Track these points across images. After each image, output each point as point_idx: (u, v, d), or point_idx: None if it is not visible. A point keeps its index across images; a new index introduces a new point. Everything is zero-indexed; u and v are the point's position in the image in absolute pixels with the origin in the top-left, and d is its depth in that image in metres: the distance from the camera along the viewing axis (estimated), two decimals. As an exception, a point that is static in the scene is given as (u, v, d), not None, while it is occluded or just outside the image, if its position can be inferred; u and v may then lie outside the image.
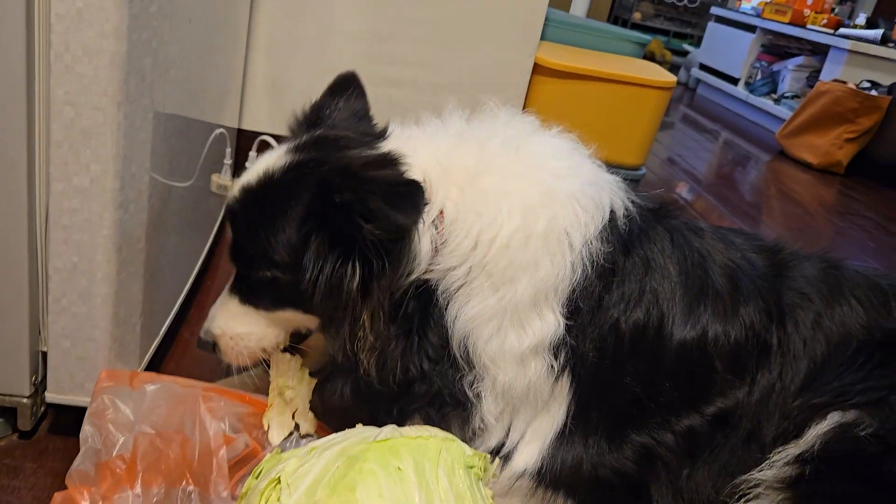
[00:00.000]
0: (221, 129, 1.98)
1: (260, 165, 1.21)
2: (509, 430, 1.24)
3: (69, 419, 1.33)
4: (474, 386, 1.19)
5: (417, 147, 1.21)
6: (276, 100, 2.31)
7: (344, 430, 1.08)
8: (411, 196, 1.07)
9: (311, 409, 1.29)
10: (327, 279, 1.10)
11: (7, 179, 1.11)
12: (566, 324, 1.18)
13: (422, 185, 1.09)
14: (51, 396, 1.28)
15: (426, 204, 1.12)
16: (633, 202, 1.29)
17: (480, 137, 1.24)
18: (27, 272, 1.18)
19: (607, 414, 1.25)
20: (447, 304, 1.16)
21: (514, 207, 1.17)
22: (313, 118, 1.31)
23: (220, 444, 1.16)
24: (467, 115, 1.32)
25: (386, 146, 1.21)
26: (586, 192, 1.22)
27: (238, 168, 2.36)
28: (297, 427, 1.26)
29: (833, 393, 1.29)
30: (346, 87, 1.37)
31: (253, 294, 1.25)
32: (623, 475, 1.25)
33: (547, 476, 1.22)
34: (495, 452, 1.23)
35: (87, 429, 1.07)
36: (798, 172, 4.86)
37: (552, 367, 1.19)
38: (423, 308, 1.16)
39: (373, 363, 1.15)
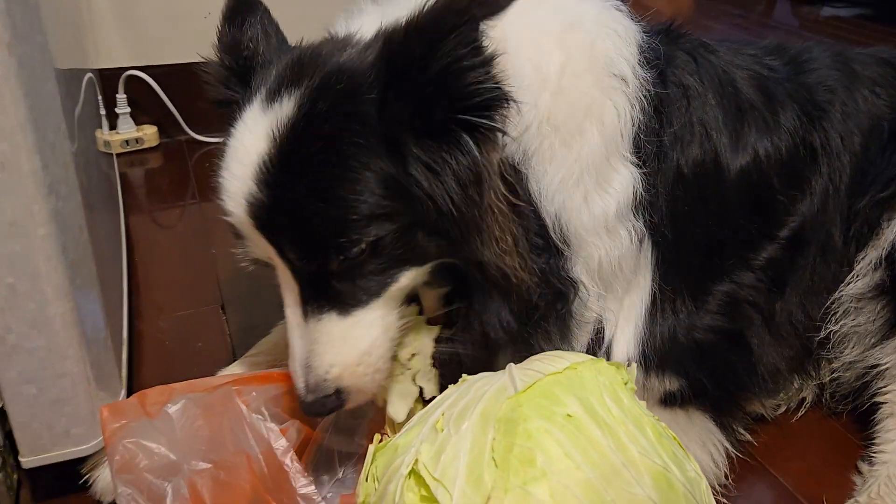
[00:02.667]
0: (90, 74, 1.57)
1: (250, 140, 0.85)
2: (603, 314, 1.08)
3: (51, 475, 1.03)
4: (574, 270, 1.00)
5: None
6: (129, 22, 1.88)
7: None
8: None
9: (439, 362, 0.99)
10: (455, 187, 0.83)
11: None
12: (640, 173, 1.02)
13: None
14: (28, 461, 0.97)
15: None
16: (638, 23, 1.11)
17: None
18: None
19: (688, 270, 1.12)
20: (531, 181, 0.94)
21: (548, 39, 0.98)
22: (238, 60, 0.96)
23: (286, 446, 0.91)
24: None
25: (366, 32, 0.93)
26: (613, 16, 1.06)
27: (110, 116, 1.96)
28: (421, 392, 0.97)
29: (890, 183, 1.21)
30: (249, 7, 1.00)
31: (348, 291, 0.88)
32: (717, 330, 1.14)
33: (652, 358, 1.09)
34: (596, 344, 1.07)
35: (123, 492, 0.79)
36: (653, -12, 4.81)
37: (635, 230, 1.04)
38: (520, 214, 0.93)
39: (522, 265, 0.91)
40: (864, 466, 1.13)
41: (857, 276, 1.19)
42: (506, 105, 0.84)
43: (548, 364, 0.82)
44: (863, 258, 1.19)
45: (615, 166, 1.01)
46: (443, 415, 0.79)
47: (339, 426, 1.10)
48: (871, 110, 1.26)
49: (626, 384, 0.83)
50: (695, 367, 1.11)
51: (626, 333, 1.09)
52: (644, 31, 1.09)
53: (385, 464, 0.79)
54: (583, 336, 1.06)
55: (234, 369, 1.13)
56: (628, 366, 0.89)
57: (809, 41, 1.37)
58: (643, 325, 1.09)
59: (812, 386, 1.26)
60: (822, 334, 1.19)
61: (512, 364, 0.85)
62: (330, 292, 0.88)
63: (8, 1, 0.75)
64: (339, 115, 0.83)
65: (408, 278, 0.90)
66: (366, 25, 0.95)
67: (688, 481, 0.77)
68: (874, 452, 1.12)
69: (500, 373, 0.84)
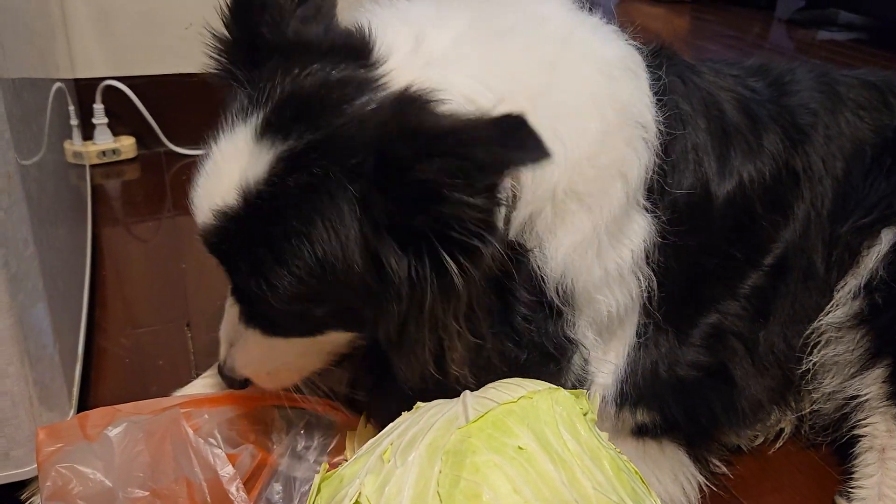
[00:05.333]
0: (59, 84, 1.54)
1: (228, 171, 0.80)
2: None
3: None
4: (576, 327, 0.95)
5: (438, 65, 0.84)
6: (108, 32, 1.84)
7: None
8: (523, 126, 0.69)
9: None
10: (411, 289, 0.77)
11: None
12: (651, 217, 0.97)
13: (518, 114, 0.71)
14: (-35, 483, 0.93)
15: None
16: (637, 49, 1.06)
17: (519, 32, 0.92)
18: None
19: (673, 304, 1.06)
20: (529, 253, 0.88)
21: (584, 98, 0.91)
22: (247, 38, 0.87)
23: (233, 474, 0.87)
24: None
25: (394, 76, 0.83)
26: (627, 52, 1.00)
27: (87, 127, 1.93)
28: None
29: (878, 208, 1.18)
30: None
31: (278, 325, 0.90)
32: (700, 366, 1.10)
33: (629, 395, 1.04)
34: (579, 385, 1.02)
35: (53, 521, 0.75)
36: (649, 8, 4.80)
37: (643, 277, 0.99)
38: (507, 275, 0.86)
39: (468, 372, 0.86)
40: (841, 501, 1.09)
41: (837, 304, 1.16)
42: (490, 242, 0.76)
43: (503, 392, 0.79)
44: (842, 286, 1.16)
45: (632, 217, 0.96)
46: (391, 444, 0.76)
47: (296, 452, 1.06)
48: (854, 134, 1.23)
49: (585, 415, 0.79)
50: (671, 403, 1.06)
51: (605, 370, 1.03)
52: (646, 61, 1.04)
53: (329, 495, 0.75)
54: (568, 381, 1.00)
55: (191, 390, 1.09)
56: (590, 395, 0.86)
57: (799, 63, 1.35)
58: (624, 363, 1.04)
59: (791, 417, 1.22)
60: (804, 365, 1.16)
61: (467, 391, 0.81)
62: (261, 320, 0.91)
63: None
64: (309, 202, 0.77)
65: (334, 336, 0.91)
66: (396, 41, 0.87)
67: (646, 519, 0.73)
68: (852, 487, 1.08)
69: (454, 400, 0.80)
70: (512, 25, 0.92)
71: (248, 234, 0.79)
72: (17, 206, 0.88)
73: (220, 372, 0.98)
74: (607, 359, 1.04)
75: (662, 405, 1.06)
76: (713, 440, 1.13)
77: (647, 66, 1.02)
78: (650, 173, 0.97)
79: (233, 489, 0.86)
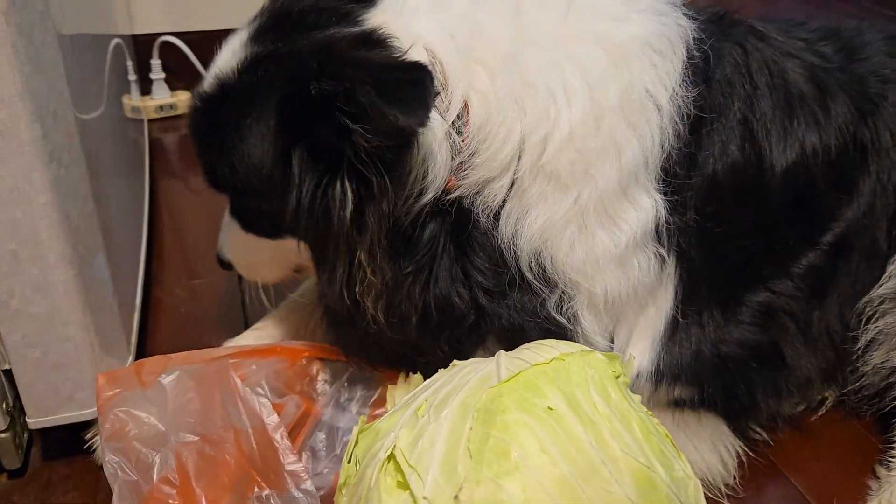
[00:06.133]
0: (117, 40, 1.58)
1: (219, 60, 0.92)
2: (612, 338, 1.03)
3: (62, 436, 1.06)
4: (565, 308, 0.95)
5: (419, 15, 0.89)
6: (169, -13, 1.89)
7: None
8: (416, 85, 0.77)
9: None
10: (311, 205, 0.84)
11: None
12: (666, 199, 0.95)
13: (430, 69, 0.80)
14: (34, 422, 1.00)
15: (436, 96, 0.82)
16: (692, 17, 1.03)
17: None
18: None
19: (718, 282, 1.05)
20: (494, 223, 0.90)
21: (573, 86, 0.89)
22: None
23: (277, 422, 0.91)
24: None
25: (372, 18, 0.89)
26: (658, 30, 0.96)
27: (144, 83, 1.98)
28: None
29: None
30: None
31: (249, 220, 1.02)
32: (748, 344, 1.07)
33: (666, 373, 1.03)
34: None
35: (111, 459, 0.81)
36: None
37: (658, 254, 0.97)
38: (454, 231, 0.89)
39: (381, 310, 0.90)
40: (881, 470, 1.08)
41: (890, 276, 1.12)
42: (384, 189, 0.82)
43: (536, 354, 0.80)
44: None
45: (634, 199, 0.95)
46: (426, 401, 0.78)
47: (339, 403, 1.10)
48: None
49: (617, 377, 0.80)
50: (712, 381, 1.05)
51: (639, 347, 1.03)
52: (696, 27, 1.01)
53: (366, 447, 0.79)
54: None
55: (241, 341, 1.14)
56: (624, 359, 0.87)
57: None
58: (660, 341, 1.03)
59: (836, 389, 1.20)
60: (858, 342, 1.13)
61: (502, 352, 0.83)
62: (240, 213, 1.03)
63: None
64: (252, 97, 0.86)
65: (293, 243, 0.98)
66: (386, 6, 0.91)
67: (673, 481, 0.74)
68: (892, 456, 1.07)
69: (488, 360, 0.83)
70: None
71: (209, 118, 0.91)
72: (77, 162, 0.92)
73: (218, 253, 1.11)
74: (636, 339, 1.04)
75: (702, 382, 1.05)
76: (756, 414, 1.12)
77: (699, 37, 0.99)
78: (665, 154, 0.94)
79: (277, 437, 0.90)
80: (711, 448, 1.08)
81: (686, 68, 0.97)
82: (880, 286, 1.12)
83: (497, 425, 0.71)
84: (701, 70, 0.99)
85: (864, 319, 1.12)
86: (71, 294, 0.92)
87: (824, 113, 1.09)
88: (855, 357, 1.14)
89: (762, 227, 1.06)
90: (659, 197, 0.95)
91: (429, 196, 0.86)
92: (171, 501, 0.78)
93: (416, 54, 0.85)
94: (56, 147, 0.86)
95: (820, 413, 1.20)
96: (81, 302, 0.94)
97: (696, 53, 0.99)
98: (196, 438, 0.84)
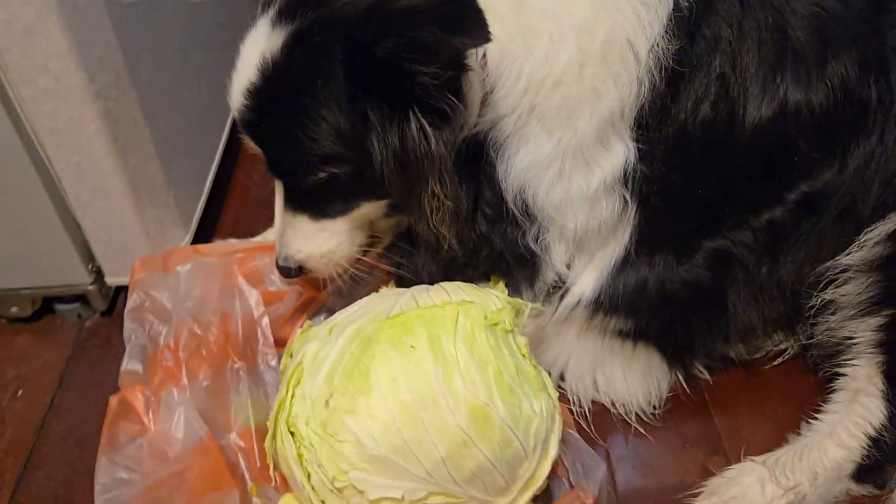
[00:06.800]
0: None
1: (250, 56, 0.98)
2: (571, 266, 1.15)
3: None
4: (540, 239, 1.08)
5: None
6: None
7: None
8: (466, 9, 0.84)
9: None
10: (398, 152, 0.93)
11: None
12: (637, 148, 1.03)
13: None
14: (111, 280, 1.33)
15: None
16: None
17: None
18: (37, 176, 1.16)
19: (676, 229, 1.13)
20: (497, 157, 1.02)
21: (565, 32, 0.97)
22: None
23: (262, 311, 1.17)
24: None
25: None
26: None
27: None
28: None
29: None
30: None
31: (319, 204, 1.06)
32: (694, 286, 1.15)
33: (605, 302, 1.14)
34: (556, 288, 1.16)
35: (128, 326, 1.11)
36: None
37: (625, 199, 1.06)
38: (474, 165, 1.02)
39: (454, 234, 1.03)
40: (804, 427, 1.15)
41: (860, 246, 1.12)
42: (454, 115, 0.91)
43: (430, 297, 0.98)
44: (872, 230, 1.11)
45: (608, 144, 1.03)
46: (338, 322, 1.00)
47: (343, 293, 1.33)
48: None
49: (495, 325, 0.96)
50: (651, 316, 1.16)
51: (588, 278, 1.14)
52: None
53: (298, 346, 1.02)
54: (547, 281, 1.15)
55: (269, 234, 1.39)
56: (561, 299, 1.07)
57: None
58: (608, 274, 1.13)
59: (795, 341, 1.25)
60: (814, 300, 1.16)
61: (414, 288, 1.02)
62: (307, 200, 1.07)
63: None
64: (312, 68, 0.93)
65: (367, 208, 1.06)
66: None
67: (511, 417, 0.91)
68: (813, 419, 1.14)
69: (401, 292, 1.02)
70: None
71: (269, 104, 0.97)
72: (126, 94, 1.16)
73: (277, 266, 1.13)
74: (588, 270, 1.15)
75: (641, 316, 1.16)
76: (694, 351, 1.21)
77: None
78: (641, 103, 1.00)
79: (262, 323, 1.16)
80: (641, 378, 1.20)
81: (671, 20, 1.01)
82: (848, 254, 1.12)
83: (368, 353, 0.91)
84: (688, 22, 1.02)
85: (825, 282, 1.14)
86: (125, 195, 1.21)
87: (819, 69, 1.07)
88: (808, 316, 1.18)
89: (728, 182, 1.11)
90: (632, 145, 1.03)
91: (466, 130, 0.98)
92: (167, 364, 1.07)
93: None
94: (102, 87, 1.10)
95: (776, 363, 1.26)
96: (134, 201, 1.22)
97: (687, 3, 1.01)
98: (189, 318, 1.11)
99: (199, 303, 1.13)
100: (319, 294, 1.30)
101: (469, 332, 0.93)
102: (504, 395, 0.91)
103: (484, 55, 0.97)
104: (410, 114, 0.91)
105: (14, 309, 1.36)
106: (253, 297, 1.17)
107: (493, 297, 1.00)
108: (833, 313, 1.16)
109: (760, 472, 1.08)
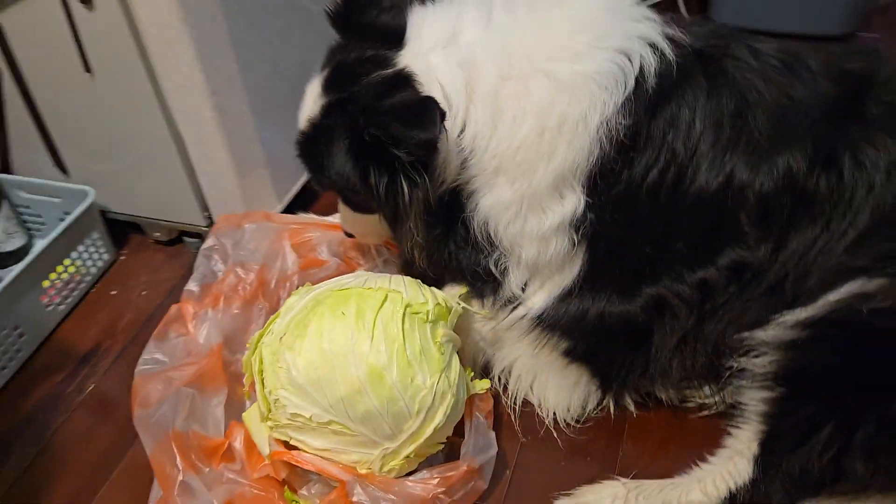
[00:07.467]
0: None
1: (308, 104, 1.29)
2: (525, 288, 1.38)
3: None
4: (500, 263, 1.33)
5: (434, 52, 1.21)
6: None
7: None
8: (425, 112, 1.12)
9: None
10: (385, 197, 1.21)
11: (135, 77, 1.54)
12: (587, 200, 1.23)
13: (435, 99, 1.15)
14: (218, 227, 1.79)
15: (444, 115, 1.14)
16: (676, 44, 1.22)
17: (497, 24, 1.23)
18: (174, 144, 1.63)
19: (620, 272, 1.31)
20: (468, 200, 1.28)
21: (527, 112, 1.19)
22: (347, 6, 1.33)
23: (296, 271, 1.55)
24: None
25: (400, 60, 1.22)
26: (607, 68, 1.18)
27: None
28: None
29: (876, 256, 1.18)
30: None
31: (353, 205, 1.42)
32: (628, 323, 1.32)
33: (547, 321, 1.36)
34: (510, 302, 1.39)
35: (199, 260, 1.54)
36: None
37: (573, 240, 1.27)
38: (453, 207, 1.28)
39: (423, 259, 1.33)
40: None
41: (777, 324, 1.22)
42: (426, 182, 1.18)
43: (379, 283, 1.29)
44: (792, 313, 1.20)
45: (562, 195, 1.23)
46: (314, 288, 1.34)
47: (377, 269, 1.66)
48: None
49: (415, 314, 1.25)
50: (583, 341, 1.35)
51: (538, 297, 1.37)
52: (669, 53, 1.20)
53: (295, 300, 1.38)
54: (504, 297, 1.39)
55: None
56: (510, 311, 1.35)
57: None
58: (555, 299, 1.34)
59: (721, 398, 1.38)
60: (730, 362, 1.28)
61: (373, 273, 1.34)
62: (344, 200, 1.44)
63: (182, -3, 1.40)
64: (332, 135, 1.23)
65: (376, 216, 1.36)
66: (427, 27, 1.23)
67: (402, 384, 1.19)
68: (692, 469, 1.28)
69: (363, 275, 1.34)
70: (513, 24, 1.22)
71: (310, 145, 1.32)
72: (237, 93, 1.59)
73: (343, 228, 1.54)
74: (539, 293, 1.38)
75: (575, 339, 1.36)
76: (621, 381, 1.39)
77: (666, 72, 1.19)
78: (591, 165, 1.20)
79: (294, 278, 1.54)
80: (569, 392, 1.40)
81: (630, 101, 1.18)
82: (765, 329, 1.23)
83: (313, 311, 1.25)
84: (647, 102, 1.19)
85: (743, 349, 1.26)
86: (227, 167, 1.65)
87: (769, 156, 1.19)
88: (724, 376, 1.30)
89: (668, 239, 1.26)
90: (583, 196, 1.22)
91: (446, 185, 1.24)
92: (214, 292, 1.48)
93: (433, 89, 1.18)
94: (217, 87, 1.54)
95: (702, 414, 1.40)
96: (235, 172, 1.66)
97: (653, 86, 1.19)
98: (238, 263, 1.52)
99: (250, 254, 1.54)
100: (355, 268, 1.65)
101: (389, 313, 1.23)
102: (401, 366, 1.20)
103: (461, 133, 1.21)
104: (397, 177, 1.19)
105: (157, 234, 1.88)
106: (290, 258, 1.55)
107: (427, 295, 1.29)
108: (742, 379, 1.28)
109: (619, 490, 1.26)
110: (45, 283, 1.69)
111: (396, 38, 1.25)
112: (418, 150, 1.14)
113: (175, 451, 1.23)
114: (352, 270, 1.63)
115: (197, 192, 1.73)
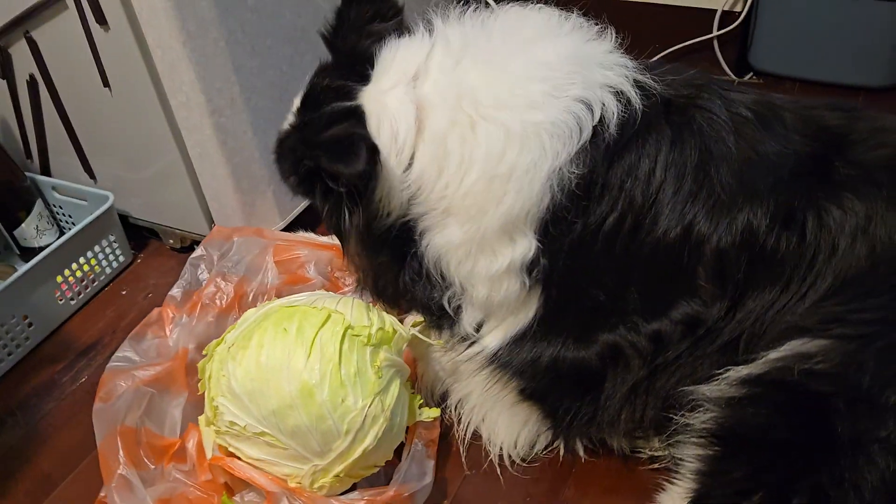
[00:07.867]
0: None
1: (289, 114, 1.37)
2: (480, 327, 1.39)
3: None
4: (453, 300, 1.35)
5: (393, 91, 1.24)
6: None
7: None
8: (351, 147, 1.15)
9: None
10: (329, 218, 1.30)
11: (147, 93, 1.65)
12: (539, 245, 1.22)
13: (363, 134, 1.19)
14: (221, 237, 1.88)
15: (374, 151, 1.16)
16: (645, 91, 1.21)
17: (461, 68, 1.24)
18: (180, 156, 1.74)
19: (576, 318, 1.30)
20: (421, 236, 1.30)
21: (474, 158, 1.20)
22: (338, 29, 1.38)
23: (276, 286, 1.61)
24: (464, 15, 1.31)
25: (360, 95, 1.26)
26: (562, 118, 1.17)
27: None
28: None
29: (824, 317, 1.14)
30: None
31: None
32: (583, 368, 1.30)
33: (501, 360, 1.36)
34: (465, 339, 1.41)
35: (187, 268, 1.63)
36: None
37: (525, 283, 1.27)
38: (407, 239, 1.31)
39: (368, 282, 1.40)
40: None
41: (721, 380, 1.19)
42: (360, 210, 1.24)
43: (327, 303, 1.32)
44: (739, 370, 1.17)
45: (513, 238, 1.22)
46: (275, 301, 1.39)
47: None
48: None
49: (355, 336, 1.27)
50: (535, 383, 1.34)
51: (490, 338, 1.37)
52: (636, 102, 1.18)
53: (252, 312, 1.44)
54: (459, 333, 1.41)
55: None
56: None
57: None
58: (510, 339, 1.34)
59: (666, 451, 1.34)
60: (677, 416, 1.25)
61: (326, 293, 1.38)
62: None
63: (182, 20, 1.50)
64: (286, 157, 1.32)
65: None
66: (396, 64, 1.26)
67: (332, 403, 1.21)
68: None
69: (316, 294, 1.38)
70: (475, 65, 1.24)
71: (277, 158, 1.37)
72: (237, 115, 1.68)
73: None
74: (494, 332, 1.37)
75: (528, 380, 1.35)
76: (570, 425, 1.36)
77: (629, 121, 1.17)
78: (543, 213, 1.19)
79: (272, 293, 1.60)
80: (517, 428, 1.39)
81: (585, 150, 1.17)
82: (710, 386, 1.19)
83: (259, 325, 1.30)
84: (605, 151, 1.18)
85: (690, 404, 1.22)
86: (227, 183, 1.73)
87: (730, 211, 1.16)
88: (671, 429, 1.26)
89: (623, 287, 1.24)
90: (535, 241, 1.21)
91: (392, 217, 1.27)
92: (194, 299, 1.56)
93: (383, 126, 1.22)
94: (218, 107, 1.63)
95: (654, 466, 1.36)
96: (233, 188, 1.74)
97: (613, 135, 1.18)
98: (220, 274, 1.59)
99: (233, 266, 1.61)
100: (340, 288, 1.70)
101: (329, 333, 1.27)
102: (332, 385, 1.23)
103: (407, 169, 1.23)
104: (335, 201, 1.26)
105: (171, 241, 1.99)
106: (271, 273, 1.62)
107: (373, 318, 1.32)
108: (679, 435, 1.24)
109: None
110: (59, 279, 1.81)
111: (368, 69, 1.29)
112: (349, 182, 1.19)
113: (119, 445, 1.30)
114: (337, 290, 1.69)
115: (203, 205, 1.82)
